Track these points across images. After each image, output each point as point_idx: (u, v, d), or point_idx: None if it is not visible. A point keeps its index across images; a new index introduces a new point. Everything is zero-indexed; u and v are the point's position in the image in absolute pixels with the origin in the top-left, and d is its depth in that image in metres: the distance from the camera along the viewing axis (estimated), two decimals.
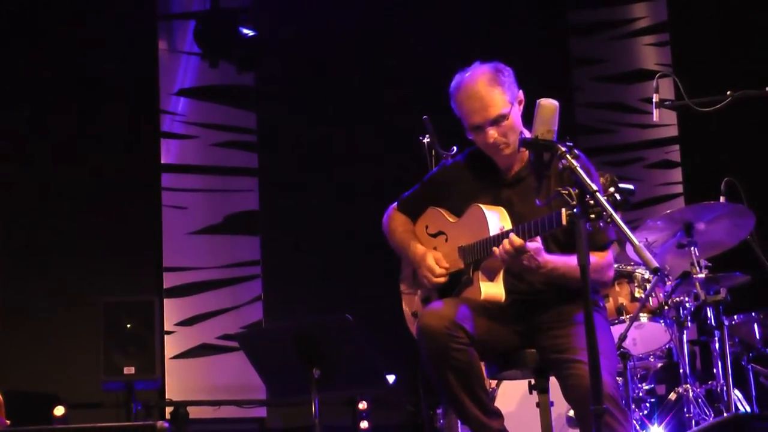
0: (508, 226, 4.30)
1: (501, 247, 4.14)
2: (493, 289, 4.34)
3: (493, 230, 4.30)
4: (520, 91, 4.46)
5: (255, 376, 5.11)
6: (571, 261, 4.13)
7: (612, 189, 3.60)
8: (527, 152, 4.29)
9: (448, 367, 4.22)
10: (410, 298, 4.78)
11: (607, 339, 4.34)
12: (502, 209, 4.39)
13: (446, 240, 4.59)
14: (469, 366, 4.23)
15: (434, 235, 4.66)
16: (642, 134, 8.99)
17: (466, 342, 4.21)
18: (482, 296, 4.33)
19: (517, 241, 4.11)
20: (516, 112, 4.44)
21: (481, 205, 4.40)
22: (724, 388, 5.84)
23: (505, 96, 4.40)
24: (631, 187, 3.65)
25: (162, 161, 8.49)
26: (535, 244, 4.15)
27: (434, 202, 4.69)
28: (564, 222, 3.88)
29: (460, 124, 4.59)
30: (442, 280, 4.51)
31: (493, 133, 4.41)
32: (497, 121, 4.39)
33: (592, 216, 3.59)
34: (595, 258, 4.27)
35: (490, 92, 4.39)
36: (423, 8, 8.94)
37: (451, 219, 4.60)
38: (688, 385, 6.15)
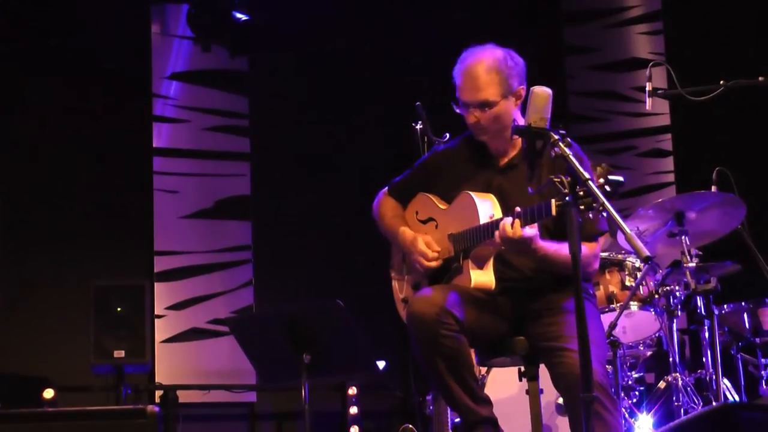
0: (498, 214, 4.31)
1: (502, 231, 4.13)
2: (483, 277, 4.36)
3: (483, 218, 4.31)
4: (522, 87, 4.44)
5: (245, 361, 5.11)
6: (561, 249, 4.15)
7: (602, 180, 3.61)
8: (521, 140, 4.32)
9: (438, 354, 4.23)
10: (400, 284, 4.79)
11: (597, 327, 4.35)
12: (492, 197, 4.40)
13: (436, 227, 4.59)
14: (458, 353, 4.24)
15: (424, 222, 4.66)
16: (634, 123, 8.99)
17: (456, 329, 4.22)
18: (472, 284, 4.34)
19: (519, 230, 4.11)
20: (507, 105, 4.43)
21: (471, 193, 4.41)
22: (713, 377, 5.86)
23: (499, 86, 4.40)
24: (620, 179, 3.66)
25: (154, 145, 8.47)
26: (532, 230, 4.15)
27: (425, 188, 4.70)
28: (554, 212, 3.89)
29: (453, 112, 4.59)
30: (435, 264, 4.52)
31: (475, 115, 4.44)
32: (482, 105, 4.41)
33: (582, 207, 3.60)
34: (583, 248, 4.27)
35: (486, 77, 4.41)
36: None
37: (441, 205, 4.60)
38: (678, 374, 6.17)
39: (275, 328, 4.90)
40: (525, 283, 4.43)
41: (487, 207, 4.35)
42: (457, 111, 4.51)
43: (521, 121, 4.34)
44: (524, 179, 4.18)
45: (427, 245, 4.54)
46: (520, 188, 4.31)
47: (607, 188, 3.60)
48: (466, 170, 4.56)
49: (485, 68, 4.42)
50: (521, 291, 4.43)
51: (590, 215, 3.62)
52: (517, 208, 4.13)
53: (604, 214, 3.61)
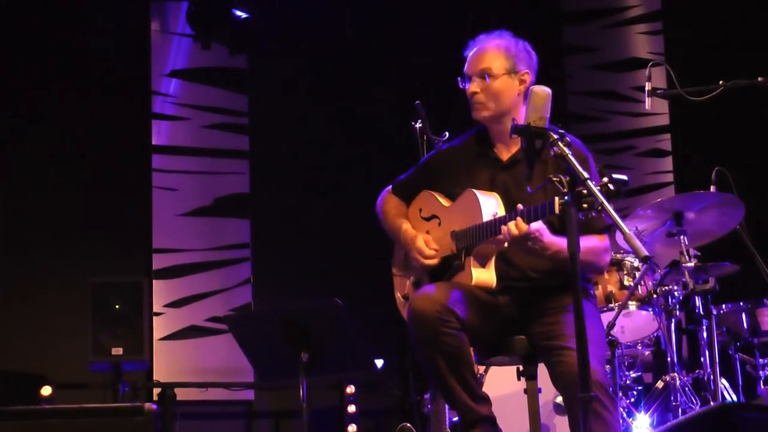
0: (502, 212, 4.30)
1: (507, 230, 4.13)
2: (484, 275, 4.35)
3: (487, 216, 4.31)
4: (527, 73, 4.51)
5: (243, 359, 5.11)
6: None
7: (606, 179, 3.61)
8: None
9: (438, 351, 4.23)
10: (402, 281, 4.79)
11: (596, 327, 4.35)
12: (496, 195, 4.40)
13: (439, 224, 4.59)
14: (458, 351, 4.24)
15: (427, 219, 4.67)
16: (633, 123, 8.99)
17: (457, 327, 4.22)
18: (473, 282, 4.34)
19: (523, 226, 4.11)
20: (510, 84, 4.49)
21: (475, 191, 4.41)
22: (711, 376, 5.86)
23: (504, 61, 4.49)
24: (624, 177, 3.65)
25: (153, 142, 8.46)
26: (539, 224, 4.15)
27: (429, 186, 4.71)
28: (557, 211, 3.88)
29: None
30: (432, 262, 4.52)
31: (474, 86, 4.50)
32: (482, 74, 4.48)
33: (585, 206, 3.60)
34: (593, 242, 4.29)
35: (493, 51, 4.51)
36: None
37: (445, 203, 4.60)
38: (676, 374, 6.18)
39: (273, 327, 4.91)
40: (526, 282, 4.42)
41: (490, 205, 4.35)
42: (461, 86, 4.57)
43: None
44: (525, 177, 4.21)
45: (426, 243, 4.54)
46: (524, 185, 4.33)
47: (611, 187, 3.60)
48: (469, 167, 4.57)
49: (494, 45, 4.53)
50: (522, 290, 4.43)
51: (592, 214, 3.62)
52: (519, 206, 4.14)
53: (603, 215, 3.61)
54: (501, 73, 4.48)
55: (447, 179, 4.63)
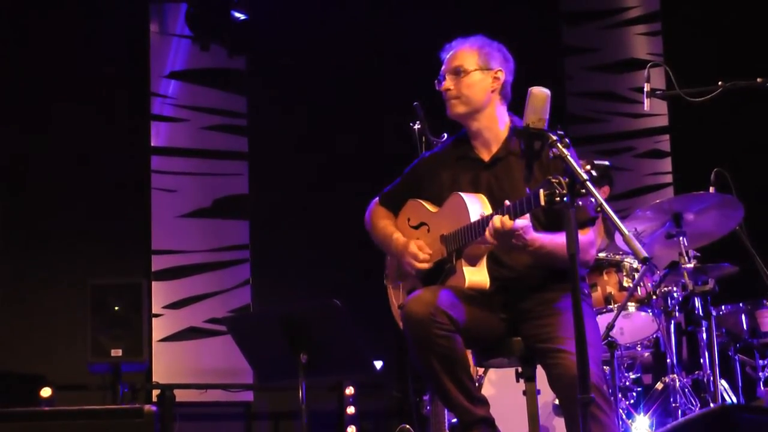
0: (489, 212, 4.30)
1: (491, 226, 4.13)
2: (476, 276, 4.34)
3: (474, 217, 4.30)
4: (501, 71, 4.54)
5: (242, 360, 5.11)
6: (557, 239, 4.16)
7: (588, 166, 3.60)
8: (505, 133, 4.43)
9: (432, 353, 4.22)
10: (396, 292, 4.79)
11: (592, 327, 4.34)
12: (482, 196, 4.40)
13: (428, 230, 4.59)
14: (453, 352, 4.23)
15: (416, 227, 4.66)
16: (632, 124, 8.99)
17: (450, 328, 4.21)
18: (466, 283, 4.32)
19: (508, 223, 4.10)
20: (482, 79, 4.52)
21: (461, 194, 4.41)
22: (711, 378, 5.85)
23: (476, 57, 4.54)
24: (606, 162, 3.66)
25: (152, 144, 8.46)
26: (524, 221, 4.14)
27: (415, 194, 4.71)
28: (542, 202, 3.84)
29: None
30: (426, 265, 4.52)
31: (447, 82, 4.55)
32: (455, 71, 4.53)
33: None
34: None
35: (466, 51, 4.57)
36: None
37: (432, 209, 4.60)
38: (675, 375, 6.17)
39: (272, 328, 4.90)
40: (519, 281, 4.42)
41: (477, 206, 4.34)
42: (437, 88, 4.62)
43: (505, 118, 4.45)
44: (512, 171, 4.31)
45: (419, 248, 4.54)
46: (509, 181, 4.38)
47: (594, 173, 3.59)
48: (453, 171, 4.59)
49: (467, 44, 4.59)
50: (516, 290, 4.42)
51: (579, 203, 3.61)
52: (507, 202, 4.13)
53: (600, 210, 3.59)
54: (473, 68, 4.52)
55: (432, 186, 4.63)
